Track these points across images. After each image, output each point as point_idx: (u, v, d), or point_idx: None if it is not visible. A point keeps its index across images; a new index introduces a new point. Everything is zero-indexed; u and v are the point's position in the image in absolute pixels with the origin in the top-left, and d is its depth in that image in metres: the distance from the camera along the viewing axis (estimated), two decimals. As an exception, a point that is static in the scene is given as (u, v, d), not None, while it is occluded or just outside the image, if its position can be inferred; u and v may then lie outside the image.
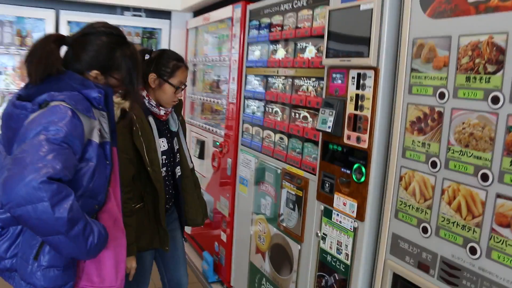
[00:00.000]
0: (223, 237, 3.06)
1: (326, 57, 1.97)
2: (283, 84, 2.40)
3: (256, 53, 2.70)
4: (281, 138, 2.41)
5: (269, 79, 2.53)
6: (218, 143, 3.15)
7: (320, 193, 2.06)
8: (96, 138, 1.44)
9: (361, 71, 1.80)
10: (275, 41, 2.51)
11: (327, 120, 1.95)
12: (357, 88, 1.83)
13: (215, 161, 3.19)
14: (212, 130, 3.32)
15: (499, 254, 1.31)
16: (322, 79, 2.09)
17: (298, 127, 2.25)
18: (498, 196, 1.31)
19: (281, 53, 2.42)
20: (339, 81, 1.93)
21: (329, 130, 1.92)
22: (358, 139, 1.82)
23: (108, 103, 1.50)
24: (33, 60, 1.44)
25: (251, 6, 2.76)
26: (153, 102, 1.99)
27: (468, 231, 1.40)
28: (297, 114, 2.28)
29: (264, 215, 2.56)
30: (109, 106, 1.51)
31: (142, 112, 1.93)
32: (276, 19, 2.47)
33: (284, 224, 2.36)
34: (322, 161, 2.04)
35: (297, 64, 2.25)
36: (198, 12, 3.83)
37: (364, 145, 1.79)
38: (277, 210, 2.42)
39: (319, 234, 2.07)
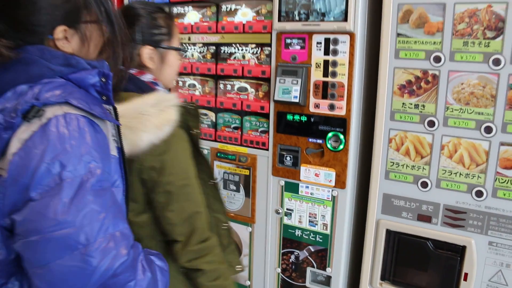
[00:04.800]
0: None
1: (280, 21, 1.82)
2: (200, 52, 2.10)
3: (146, 16, 2.25)
4: (204, 114, 2.13)
5: (175, 47, 2.17)
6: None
7: (277, 168, 1.95)
8: (114, 150, 1.00)
9: (330, 36, 1.75)
10: (179, 3, 2.14)
11: (290, 89, 1.83)
12: (326, 54, 1.77)
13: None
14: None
15: (505, 192, 1.55)
16: (265, 45, 1.93)
17: (232, 100, 2.03)
18: (502, 144, 1.53)
19: (193, 17, 2.09)
20: (298, 47, 1.82)
21: (297, 100, 1.81)
22: (332, 107, 1.78)
23: (109, 89, 1.00)
24: None
25: (130, -42, 2.25)
26: (162, 87, 1.35)
27: (472, 178, 1.60)
28: (228, 86, 2.05)
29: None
30: (111, 94, 1.01)
31: None
32: (180, -24, 2.11)
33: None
34: (277, 134, 1.93)
35: (225, 29, 1.99)
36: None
37: (341, 112, 1.77)
38: (207, 194, 2.17)
39: (280, 211, 1.98)
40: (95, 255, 0.80)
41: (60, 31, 0.93)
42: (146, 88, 1.27)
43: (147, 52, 1.29)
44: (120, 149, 1.03)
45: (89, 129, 0.87)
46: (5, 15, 0.90)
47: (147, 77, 1.31)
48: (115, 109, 1.03)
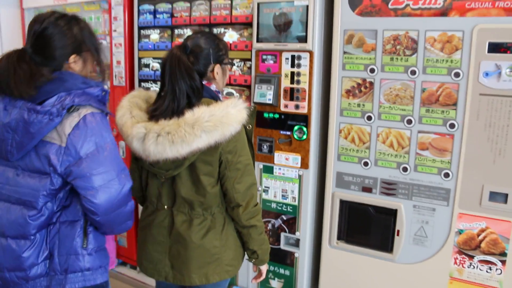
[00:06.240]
0: (122, 219, 3.07)
1: (257, 41, 2.38)
2: (196, 65, 2.65)
3: (153, 37, 2.81)
4: (199, 114, 2.67)
5: (176, 61, 2.72)
6: (99, 128, 3.08)
7: (257, 154, 2.50)
8: None
9: (295, 53, 2.31)
10: (179, 26, 2.70)
11: (265, 93, 2.39)
12: (292, 66, 2.33)
13: (96, 147, 3.11)
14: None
15: (422, 167, 2.11)
16: (247, 60, 2.49)
17: (222, 103, 2.59)
18: (419, 132, 2.10)
19: (190, 38, 2.64)
20: (271, 61, 2.38)
21: (270, 102, 2.37)
22: (297, 107, 2.34)
23: (106, 99, 1.65)
24: (10, 84, 1.47)
25: (141, -10, 2.82)
26: (221, 93, 1.80)
27: (399, 158, 2.16)
28: (219, 92, 2.60)
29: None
30: (106, 101, 1.65)
31: None
32: (181, 6, 2.67)
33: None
34: (257, 128, 2.48)
35: (216, 47, 2.55)
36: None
37: (304, 111, 2.33)
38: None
39: (260, 189, 2.53)
40: (121, 181, 1.50)
41: (72, 57, 1.55)
42: (214, 95, 1.71)
43: (217, 69, 1.72)
44: None
45: (104, 119, 1.53)
46: (40, 53, 1.51)
47: (213, 87, 1.73)
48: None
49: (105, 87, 1.64)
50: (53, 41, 1.51)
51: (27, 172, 1.51)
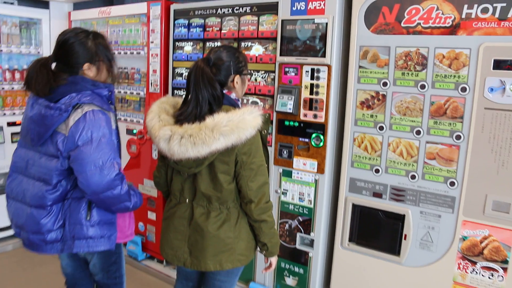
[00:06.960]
0: (152, 216, 3.32)
1: (281, 55, 2.59)
2: (224, 76, 2.88)
3: (186, 48, 3.07)
4: (226, 120, 2.89)
5: (206, 71, 2.96)
6: (135, 131, 3.35)
7: (277, 159, 2.70)
8: (113, 125, 1.93)
9: (315, 67, 2.50)
10: (210, 39, 2.95)
11: (286, 103, 2.59)
12: (312, 79, 2.53)
13: (131, 148, 3.38)
14: (122, 119, 3.50)
15: (430, 176, 2.25)
16: (271, 72, 2.70)
17: (246, 111, 2.80)
18: (427, 142, 2.24)
19: (220, 50, 2.88)
20: (293, 74, 2.59)
21: (291, 111, 2.57)
22: (315, 116, 2.53)
23: (113, 98, 1.97)
24: (31, 84, 1.85)
25: (176, 6, 3.09)
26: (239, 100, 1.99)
27: (408, 166, 2.30)
28: (245, 100, 2.82)
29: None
30: (113, 100, 1.99)
31: None
32: (212, 21, 2.92)
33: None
34: (278, 134, 2.68)
35: (243, 59, 2.78)
36: (79, 4, 3.77)
37: (321, 120, 2.51)
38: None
39: (279, 191, 2.71)
40: (108, 168, 1.77)
41: (86, 65, 1.88)
42: (234, 103, 1.89)
43: (236, 79, 1.90)
44: (116, 126, 1.94)
45: (103, 116, 1.82)
46: (61, 60, 1.86)
47: (233, 96, 1.91)
48: (115, 107, 1.96)
49: (114, 89, 2.00)
50: (71, 50, 1.85)
51: (46, 156, 1.86)
